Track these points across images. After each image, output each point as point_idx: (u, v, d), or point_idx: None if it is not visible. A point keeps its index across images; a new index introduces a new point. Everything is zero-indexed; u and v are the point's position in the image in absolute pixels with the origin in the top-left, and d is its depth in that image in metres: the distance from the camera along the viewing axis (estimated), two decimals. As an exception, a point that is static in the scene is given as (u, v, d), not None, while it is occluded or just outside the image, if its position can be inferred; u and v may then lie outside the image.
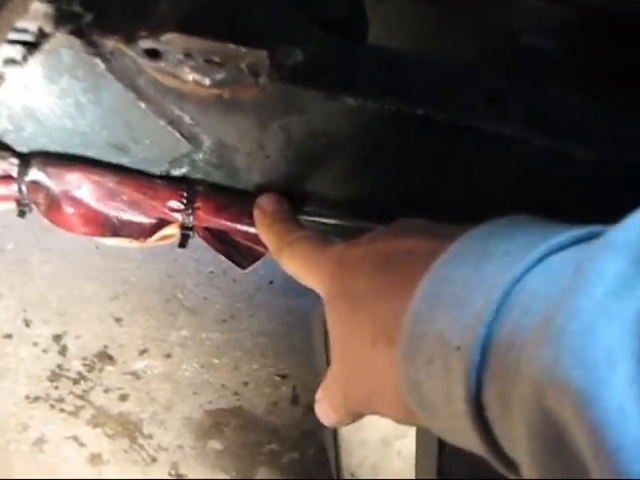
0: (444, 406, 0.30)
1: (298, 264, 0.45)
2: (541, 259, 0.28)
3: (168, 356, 1.26)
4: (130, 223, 0.52)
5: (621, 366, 0.21)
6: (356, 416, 0.42)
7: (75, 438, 1.14)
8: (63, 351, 1.26)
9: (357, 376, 0.38)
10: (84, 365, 1.24)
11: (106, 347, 1.27)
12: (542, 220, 0.32)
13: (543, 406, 0.23)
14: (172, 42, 0.41)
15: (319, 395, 0.44)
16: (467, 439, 0.29)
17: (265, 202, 0.48)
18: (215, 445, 1.13)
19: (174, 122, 0.45)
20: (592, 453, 0.21)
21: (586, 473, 0.22)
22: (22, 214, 0.55)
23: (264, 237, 0.48)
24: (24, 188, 0.53)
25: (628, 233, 0.24)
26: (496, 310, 0.27)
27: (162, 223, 0.51)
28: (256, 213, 0.48)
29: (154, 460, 1.12)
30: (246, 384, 1.22)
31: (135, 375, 1.23)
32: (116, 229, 0.52)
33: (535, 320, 0.25)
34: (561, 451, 0.23)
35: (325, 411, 0.43)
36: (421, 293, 0.32)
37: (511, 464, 0.28)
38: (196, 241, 0.52)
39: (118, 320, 1.32)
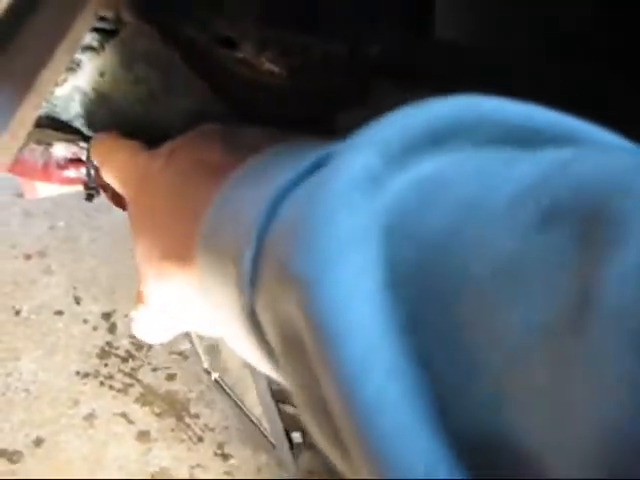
0: (231, 319, 0.30)
1: (113, 169, 0.45)
2: (311, 171, 0.27)
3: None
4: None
5: (355, 255, 0.20)
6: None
7: (124, 415, 1.16)
8: (112, 329, 1.28)
9: (158, 293, 0.38)
10: (133, 344, 1.26)
11: (154, 326, 1.29)
12: (320, 142, 0.31)
13: (281, 307, 0.23)
14: (249, 32, 0.41)
15: (133, 313, 0.42)
16: (250, 347, 0.30)
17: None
18: (262, 427, 1.14)
19: (248, 112, 0.46)
20: (316, 357, 0.20)
21: (314, 372, 0.21)
22: (90, 197, 0.56)
23: (93, 154, 0.48)
24: (92, 172, 0.54)
25: (381, 129, 0.22)
26: (264, 221, 0.26)
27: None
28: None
29: (200, 439, 1.14)
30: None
31: (182, 355, 1.25)
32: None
33: (286, 231, 0.24)
34: (297, 351, 0.22)
35: (142, 327, 0.41)
36: (210, 211, 0.32)
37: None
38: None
39: (166, 300, 1.33)
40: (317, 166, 0.26)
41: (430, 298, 0.19)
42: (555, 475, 0.16)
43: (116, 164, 0.45)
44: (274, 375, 0.31)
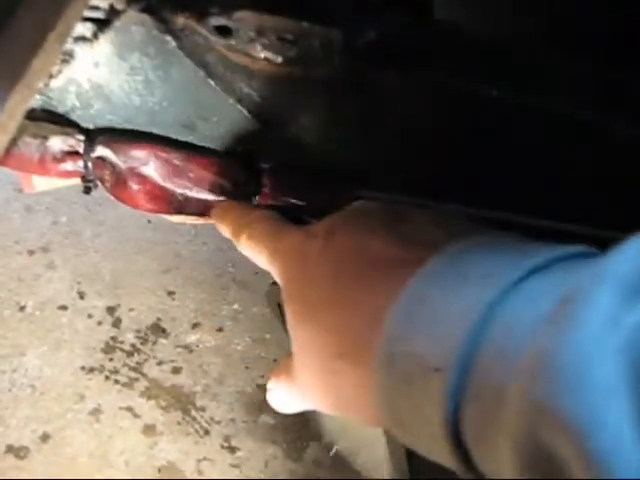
0: (420, 425, 0.29)
1: (255, 249, 0.42)
2: (520, 281, 0.27)
3: (220, 330, 1.27)
4: (196, 200, 0.51)
5: (618, 401, 0.21)
6: (309, 408, 0.40)
7: (130, 409, 1.16)
8: (117, 323, 1.28)
9: (321, 384, 0.36)
10: (137, 338, 1.26)
11: (159, 320, 1.29)
12: (520, 238, 0.31)
13: (537, 439, 0.23)
14: (244, 19, 0.40)
15: (270, 385, 0.42)
16: (441, 456, 0.29)
17: None
18: (267, 419, 1.14)
19: (243, 100, 0.45)
20: None
21: None
22: (87, 190, 0.55)
23: (220, 221, 0.46)
24: (90, 164, 0.53)
25: (620, 266, 0.23)
26: (476, 331, 0.26)
27: (228, 201, 0.50)
28: (212, 211, 0.47)
29: (207, 432, 1.13)
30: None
31: (187, 348, 1.24)
32: (181, 206, 0.52)
33: (521, 347, 0.25)
34: (549, 471, 0.23)
35: (281, 400, 0.42)
36: (396, 312, 0.30)
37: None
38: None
39: (170, 293, 1.33)
40: (526, 276, 0.27)
41: None
42: None
43: (260, 235, 0.42)
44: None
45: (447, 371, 0.27)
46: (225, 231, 0.47)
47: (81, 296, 1.33)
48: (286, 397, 0.41)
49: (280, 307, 0.85)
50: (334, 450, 1.03)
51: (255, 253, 0.42)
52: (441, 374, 0.27)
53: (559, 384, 0.22)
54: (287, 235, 0.41)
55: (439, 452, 0.29)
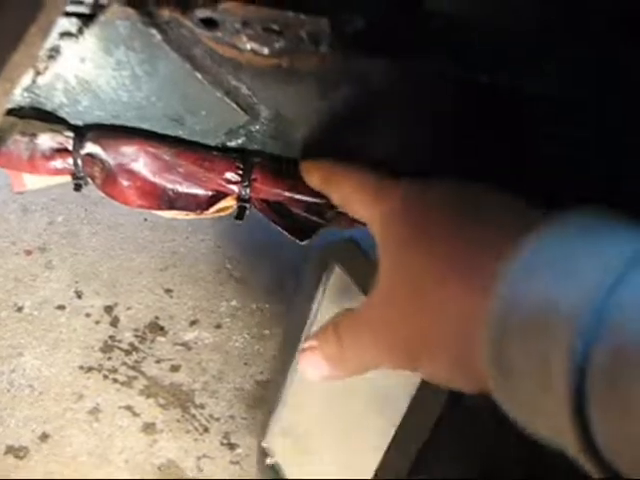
0: (533, 376, 0.27)
1: (355, 193, 0.43)
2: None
3: (218, 327, 1.27)
4: (186, 195, 0.51)
5: None
6: (356, 372, 0.39)
7: (129, 408, 1.16)
8: (115, 322, 1.28)
9: (417, 319, 0.35)
10: (135, 336, 1.25)
11: (157, 318, 1.28)
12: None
13: None
14: (229, 11, 0.40)
15: (312, 343, 0.40)
16: (552, 419, 0.27)
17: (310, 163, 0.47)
18: (266, 416, 1.14)
19: (231, 93, 0.45)
20: None
21: None
22: (78, 187, 0.55)
23: (312, 178, 0.46)
24: (80, 161, 0.53)
25: None
26: (610, 288, 0.25)
27: (219, 195, 0.50)
28: (305, 175, 0.47)
29: (206, 430, 1.13)
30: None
31: (186, 346, 1.24)
32: (172, 202, 0.52)
33: None
34: None
35: (317, 362, 0.40)
36: (524, 249, 0.29)
37: (601, 462, 0.26)
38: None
39: (168, 291, 1.33)
40: None
41: None
42: None
43: (358, 185, 0.43)
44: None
45: (578, 317, 0.25)
46: (316, 180, 0.46)
47: (79, 295, 1.33)
48: (323, 358, 0.40)
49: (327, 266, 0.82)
50: (269, 461, 1.00)
51: (353, 197, 0.43)
52: (570, 320, 0.25)
53: None
54: (392, 180, 0.41)
55: (551, 414, 0.27)
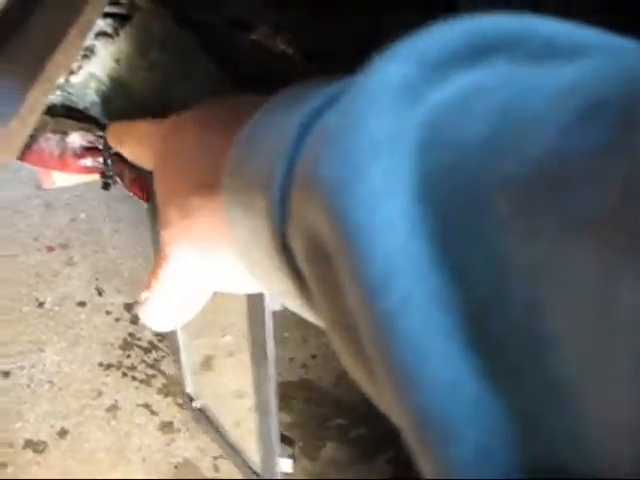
0: (258, 248, 0.29)
1: (135, 142, 0.44)
2: (331, 102, 0.26)
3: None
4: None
5: (387, 158, 0.19)
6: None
7: (147, 406, 1.16)
8: (135, 320, 1.28)
9: (183, 232, 0.37)
10: (155, 334, 1.26)
11: (176, 317, 1.29)
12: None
13: (308, 218, 0.22)
14: (263, 14, 0.40)
15: (146, 294, 0.41)
16: (280, 281, 0.29)
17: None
18: (283, 417, 1.14)
19: (262, 95, 0.45)
20: (341, 263, 0.19)
21: (337, 279, 0.20)
22: (106, 186, 0.55)
23: (110, 139, 0.48)
24: (109, 161, 0.53)
25: (420, 41, 0.21)
26: (293, 146, 0.26)
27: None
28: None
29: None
30: (314, 357, 1.23)
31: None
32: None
33: (320, 148, 0.23)
34: (324, 267, 0.22)
35: (155, 308, 0.40)
36: (239, 141, 0.31)
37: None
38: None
39: (188, 291, 1.33)
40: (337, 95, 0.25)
41: (463, 204, 0.18)
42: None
43: (137, 135, 0.44)
44: (305, 314, 0.30)
45: (270, 186, 0.26)
46: (112, 142, 0.48)
47: (99, 292, 1.34)
48: (155, 306, 0.40)
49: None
50: (198, 405, 1.06)
51: (135, 147, 0.44)
52: (264, 189, 0.27)
53: (325, 149, 0.21)
54: (158, 126, 0.42)
55: (277, 276, 0.28)
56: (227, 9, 0.41)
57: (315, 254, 0.23)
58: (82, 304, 1.31)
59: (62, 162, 0.53)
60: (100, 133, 0.53)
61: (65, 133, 0.52)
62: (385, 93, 0.20)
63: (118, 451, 1.10)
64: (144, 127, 0.44)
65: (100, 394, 1.17)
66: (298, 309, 0.30)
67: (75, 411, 1.15)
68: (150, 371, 1.20)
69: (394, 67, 0.20)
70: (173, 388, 1.18)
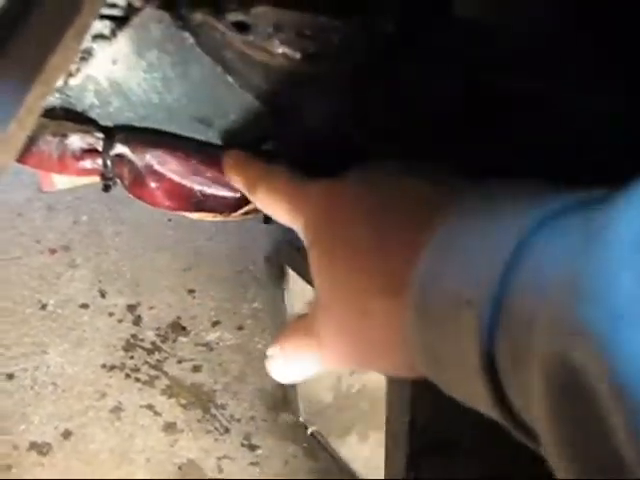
0: (455, 362, 0.29)
1: (275, 199, 0.42)
2: (548, 219, 0.27)
3: (240, 328, 1.27)
4: (214, 197, 0.51)
5: None
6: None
7: (150, 407, 1.16)
8: (137, 321, 1.28)
9: (350, 331, 0.36)
10: (158, 336, 1.26)
11: (179, 318, 1.29)
12: (538, 182, 0.31)
13: (563, 354, 0.22)
14: (262, 15, 0.40)
15: (276, 349, 0.42)
16: (476, 395, 0.29)
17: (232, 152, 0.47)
18: (287, 417, 1.14)
19: (261, 96, 0.45)
20: (613, 403, 0.20)
21: (604, 423, 0.21)
22: (107, 188, 0.55)
23: (234, 172, 0.46)
24: (109, 162, 0.54)
25: None
26: (506, 267, 0.26)
27: (247, 198, 0.50)
28: (225, 161, 0.47)
29: (227, 430, 1.13)
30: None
31: (208, 346, 1.25)
32: (200, 203, 0.52)
33: (551, 280, 0.24)
34: (579, 400, 0.22)
35: (286, 366, 0.41)
36: (431, 248, 0.31)
37: (522, 426, 0.27)
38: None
39: (190, 292, 1.33)
40: (564, 211, 0.26)
41: None
42: None
43: (281, 185, 0.43)
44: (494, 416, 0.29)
45: (480, 304, 0.26)
46: (238, 182, 0.46)
47: (102, 294, 1.34)
48: (293, 361, 0.41)
49: (283, 270, 0.85)
50: (309, 431, 1.04)
51: (274, 204, 0.42)
52: (473, 306, 0.27)
53: (584, 298, 0.21)
54: (309, 184, 0.41)
55: (475, 391, 0.28)
56: (225, 10, 0.41)
57: (563, 385, 0.23)
58: (85, 306, 1.31)
59: (62, 164, 0.53)
60: (99, 135, 0.53)
61: (64, 135, 0.52)
62: (632, 248, 0.21)
63: (122, 452, 1.10)
64: (283, 182, 0.42)
65: (103, 395, 1.17)
66: (484, 409, 0.30)
67: (79, 412, 1.15)
68: (153, 372, 1.20)
69: (632, 223, 0.21)
70: (176, 389, 1.18)
